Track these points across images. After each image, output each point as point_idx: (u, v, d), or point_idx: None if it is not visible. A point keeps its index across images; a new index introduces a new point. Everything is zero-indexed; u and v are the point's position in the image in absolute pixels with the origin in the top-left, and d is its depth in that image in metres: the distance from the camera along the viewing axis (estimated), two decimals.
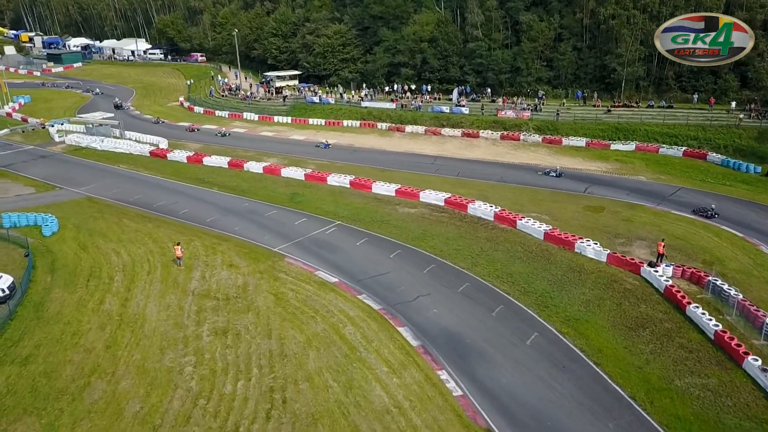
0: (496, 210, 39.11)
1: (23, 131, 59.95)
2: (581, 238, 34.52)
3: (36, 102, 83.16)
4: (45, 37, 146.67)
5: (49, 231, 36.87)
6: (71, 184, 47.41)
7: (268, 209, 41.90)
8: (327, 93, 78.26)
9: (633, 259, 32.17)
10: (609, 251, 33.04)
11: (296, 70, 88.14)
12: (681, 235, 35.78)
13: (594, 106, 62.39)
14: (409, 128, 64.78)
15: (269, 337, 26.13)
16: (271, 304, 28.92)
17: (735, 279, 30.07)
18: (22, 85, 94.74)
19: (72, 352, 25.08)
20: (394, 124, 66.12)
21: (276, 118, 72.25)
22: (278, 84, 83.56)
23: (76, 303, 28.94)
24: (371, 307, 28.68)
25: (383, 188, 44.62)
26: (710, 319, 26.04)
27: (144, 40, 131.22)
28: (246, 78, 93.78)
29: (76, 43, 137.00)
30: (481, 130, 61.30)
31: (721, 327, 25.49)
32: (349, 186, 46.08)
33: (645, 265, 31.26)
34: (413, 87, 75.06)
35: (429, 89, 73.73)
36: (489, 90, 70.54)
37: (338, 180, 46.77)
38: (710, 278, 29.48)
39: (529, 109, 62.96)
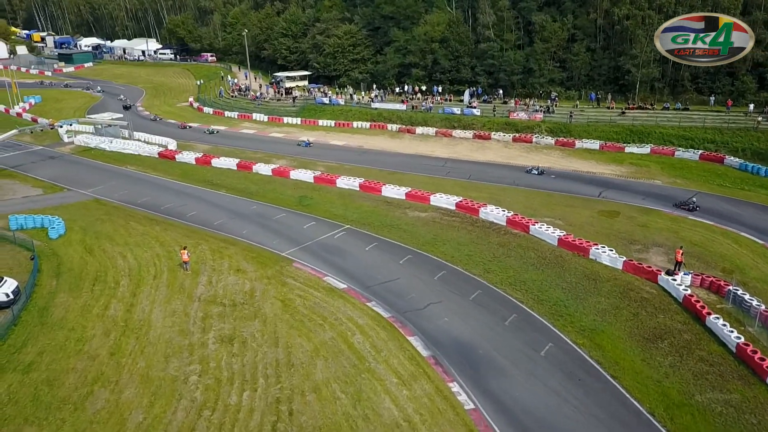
0: (509, 214, 38.30)
1: (31, 132, 59.82)
2: (596, 245, 33.65)
3: (46, 102, 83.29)
4: (57, 37, 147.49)
5: (55, 233, 36.51)
6: (79, 186, 47.12)
7: (276, 212, 41.34)
8: (337, 94, 77.68)
9: (650, 267, 31.27)
10: (625, 258, 32.16)
11: (306, 70, 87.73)
12: (699, 242, 34.83)
13: (608, 108, 61.37)
14: (419, 130, 64.06)
15: (276, 346, 25.53)
16: (278, 311, 28.32)
17: (756, 288, 29.13)
18: (32, 84, 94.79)
19: (75, 359, 24.58)
20: (404, 126, 65.43)
21: (285, 120, 71.76)
22: (288, 84, 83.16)
23: (81, 308, 28.48)
24: (380, 315, 28.01)
25: (393, 191, 43.93)
26: (731, 331, 25.13)
27: (155, 40, 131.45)
28: (256, 78, 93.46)
29: (87, 43, 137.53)
30: (493, 132, 60.46)
31: (743, 339, 24.58)
32: (358, 189, 45.43)
33: (662, 273, 30.37)
34: (424, 88, 74.31)
35: (440, 90, 72.94)
36: (501, 91, 69.64)
37: (347, 182, 46.14)
38: (731, 287, 28.54)
39: (541, 110, 62.06)
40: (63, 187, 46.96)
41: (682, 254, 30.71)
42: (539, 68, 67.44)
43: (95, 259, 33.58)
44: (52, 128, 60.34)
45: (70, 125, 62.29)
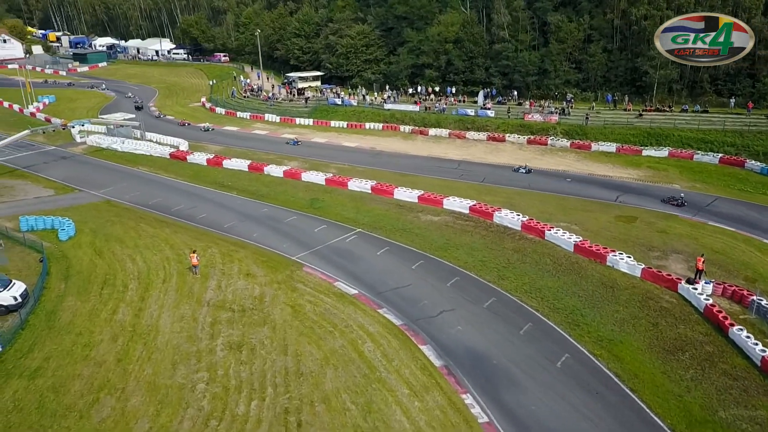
0: (524, 219, 37.53)
1: (43, 132, 59.86)
2: (613, 251, 32.80)
3: (60, 102, 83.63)
4: (72, 37, 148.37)
5: (65, 235, 36.26)
6: (90, 187, 46.97)
7: (287, 215, 40.86)
8: (349, 95, 77.14)
9: (669, 275, 30.36)
10: (643, 266, 31.27)
11: (319, 71, 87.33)
12: (720, 249, 33.84)
13: (625, 110, 60.36)
14: (432, 131, 63.38)
15: (285, 353, 24.99)
16: (288, 317, 27.79)
17: None
18: (39, 84, 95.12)
19: (82, 365, 24.18)
20: (417, 127, 64.79)
21: (298, 120, 71.35)
22: (301, 85, 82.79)
23: (89, 312, 28.12)
24: (392, 323, 27.39)
25: (405, 194, 43.30)
26: (756, 344, 24.21)
27: (168, 39, 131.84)
28: (268, 78, 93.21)
29: (101, 42, 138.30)
30: (507, 134, 59.64)
31: None
32: (370, 191, 44.85)
33: (683, 282, 29.47)
34: (437, 89, 73.60)
35: (453, 91, 72.14)
36: (515, 92, 68.77)
37: (359, 185, 45.56)
38: (754, 297, 27.57)
39: (557, 112, 61.14)
40: (74, 188, 46.84)
41: (703, 262, 29.82)
42: (554, 69, 66.51)
43: (104, 262, 33.27)
44: (64, 128, 60.38)
45: (82, 125, 62.29)
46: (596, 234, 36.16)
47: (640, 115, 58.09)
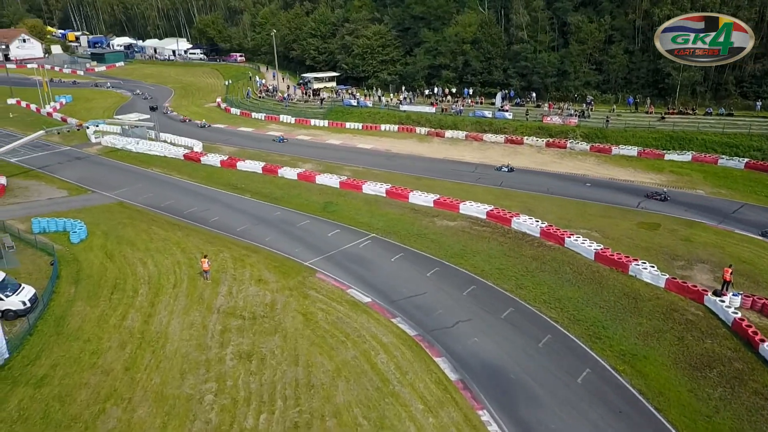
0: (542, 225, 36.49)
1: (58, 132, 59.83)
2: (636, 260, 31.67)
3: (77, 101, 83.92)
4: (90, 37, 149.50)
5: (77, 238, 35.93)
6: (104, 188, 46.71)
7: (300, 219, 40.20)
8: (365, 96, 76.38)
9: (695, 286, 29.17)
10: (668, 276, 30.12)
11: (334, 71, 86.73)
12: (748, 259, 32.57)
13: (647, 112, 58.94)
14: (449, 133, 62.42)
15: (296, 364, 24.28)
16: (299, 326, 27.10)
17: None
18: (55, 83, 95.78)
19: (89, 373, 23.66)
20: (433, 129, 63.90)
21: (312, 122, 70.75)
22: (316, 86, 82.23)
23: (98, 318, 27.64)
24: (406, 333, 26.56)
25: (421, 198, 42.44)
26: None
27: (185, 39, 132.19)
28: (284, 79, 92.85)
29: (119, 42, 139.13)
30: (526, 137, 58.54)
31: None
32: (385, 195, 44.07)
33: (709, 294, 28.30)
34: (454, 90, 72.64)
35: (470, 93, 71.21)
36: (534, 94, 67.58)
37: (374, 188, 44.79)
38: None
39: (576, 115, 59.85)
40: (88, 189, 46.60)
41: (731, 273, 28.56)
42: (574, 71, 65.27)
43: (115, 266, 32.84)
44: (79, 129, 60.26)
45: (97, 126, 62.23)
46: (617, 241, 35.06)
47: (663, 118, 56.67)
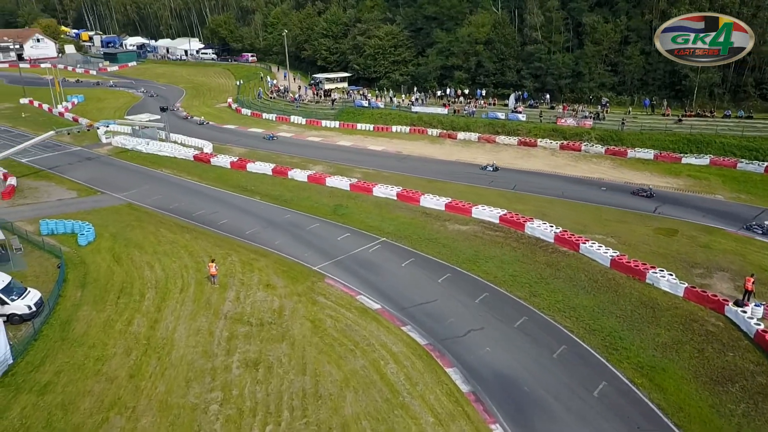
0: (557, 230, 35.65)
1: (68, 133, 59.75)
2: (653, 268, 30.78)
3: (89, 101, 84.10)
4: (103, 36, 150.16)
5: (84, 240, 35.64)
6: (113, 189, 46.47)
7: (310, 222, 39.66)
8: (376, 97, 75.75)
9: (715, 296, 28.24)
10: (686, 284, 29.19)
11: (346, 72, 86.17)
12: None
13: (663, 115, 57.79)
14: (461, 135, 61.63)
15: (303, 373, 23.69)
16: (307, 333, 26.53)
17: None
18: (66, 84, 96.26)
19: (93, 380, 23.22)
20: (445, 131, 63.12)
21: (323, 123, 70.23)
22: (327, 86, 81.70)
23: (104, 323, 27.24)
24: (416, 342, 25.89)
25: (432, 201, 41.75)
26: None
27: (197, 39, 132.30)
28: (295, 79, 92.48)
29: (132, 42, 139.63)
30: (539, 139, 57.62)
31: None
32: (395, 198, 43.43)
33: (730, 304, 27.37)
34: (467, 91, 71.78)
35: (483, 94, 70.29)
36: (548, 96, 66.52)
37: (384, 191, 44.15)
38: None
39: (591, 117, 58.79)
40: (97, 190, 46.40)
41: (753, 282, 27.66)
42: (589, 72, 64.19)
43: (122, 269, 32.46)
44: (89, 129, 60.12)
45: (107, 126, 62.12)
46: (634, 248, 34.16)
47: (680, 120, 55.51)
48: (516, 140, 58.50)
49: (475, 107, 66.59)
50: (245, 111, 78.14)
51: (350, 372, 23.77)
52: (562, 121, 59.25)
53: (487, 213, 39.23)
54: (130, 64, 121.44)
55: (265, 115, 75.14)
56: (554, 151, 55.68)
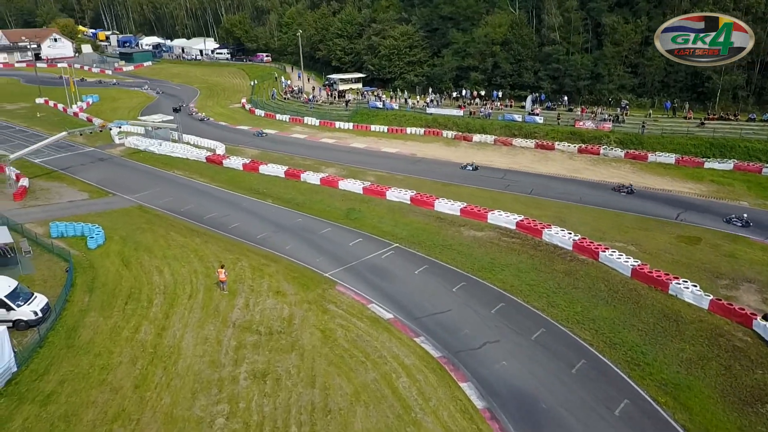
0: (575, 238, 34.60)
1: (81, 134, 59.59)
2: (676, 278, 29.66)
3: (104, 101, 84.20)
4: (120, 36, 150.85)
5: (94, 243, 35.19)
6: (124, 191, 46.11)
7: (322, 226, 38.93)
8: (391, 98, 74.89)
9: (742, 309, 27.10)
10: (711, 296, 28.05)
11: (360, 72, 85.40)
12: None
13: (685, 118, 56.33)
14: (476, 137, 60.63)
15: (312, 386, 22.93)
16: (317, 343, 25.77)
17: None
18: (83, 83, 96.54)
19: (97, 391, 22.64)
20: (460, 133, 62.16)
21: (337, 124, 69.51)
22: (341, 87, 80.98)
23: (111, 330, 26.69)
24: (430, 354, 25.04)
25: (447, 206, 40.85)
26: None
27: (212, 39, 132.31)
28: (309, 80, 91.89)
29: (147, 42, 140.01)
30: (557, 142, 56.44)
31: None
32: (409, 202, 42.58)
33: (758, 318, 26.20)
34: (483, 93, 70.71)
35: (500, 95, 69.24)
36: (566, 98, 65.25)
37: (398, 195, 43.33)
38: None
39: (610, 119, 57.51)
40: (108, 192, 46.08)
41: None
42: (608, 73, 62.88)
43: (131, 274, 31.94)
44: (101, 130, 59.90)
45: (119, 127, 61.93)
46: (655, 256, 33.05)
47: (702, 123, 54.07)
48: (533, 143, 57.39)
49: (492, 109, 65.51)
50: (259, 112, 77.68)
51: (361, 385, 22.97)
52: (581, 123, 58.04)
53: (503, 219, 38.26)
54: (145, 64, 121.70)
55: (278, 116, 74.61)
56: (572, 155, 54.48)
